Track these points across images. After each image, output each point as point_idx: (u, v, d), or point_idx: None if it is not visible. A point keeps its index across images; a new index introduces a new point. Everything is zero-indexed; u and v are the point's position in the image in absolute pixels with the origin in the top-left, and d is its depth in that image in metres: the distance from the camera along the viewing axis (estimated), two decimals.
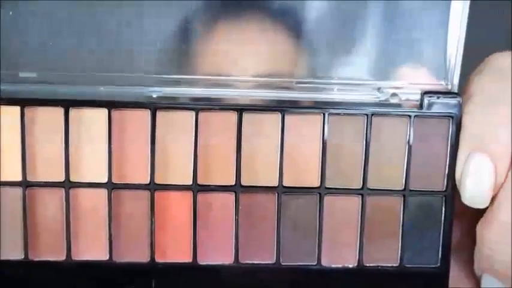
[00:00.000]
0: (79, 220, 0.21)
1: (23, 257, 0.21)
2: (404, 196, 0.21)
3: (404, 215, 0.22)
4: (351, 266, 0.22)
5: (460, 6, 0.21)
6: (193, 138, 0.21)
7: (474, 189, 0.20)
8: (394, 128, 0.21)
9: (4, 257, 0.21)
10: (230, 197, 0.21)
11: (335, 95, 0.22)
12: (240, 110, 0.21)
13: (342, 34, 0.22)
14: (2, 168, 0.21)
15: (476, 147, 0.20)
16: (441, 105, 0.21)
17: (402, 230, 0.22)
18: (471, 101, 0.20)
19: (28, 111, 0.21)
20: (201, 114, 0.21)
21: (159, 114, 0.21)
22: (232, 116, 0.21)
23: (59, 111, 0.21)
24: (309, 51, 0.22)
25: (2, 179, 0.21)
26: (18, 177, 0.21)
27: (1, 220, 0.21)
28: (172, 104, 0.21)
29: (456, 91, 0.21)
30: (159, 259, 0.21)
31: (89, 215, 0.21)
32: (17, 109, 0.21)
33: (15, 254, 0.21)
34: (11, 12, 0.21)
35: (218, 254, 0.22)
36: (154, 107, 0.21)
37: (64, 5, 0.21)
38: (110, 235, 0.21)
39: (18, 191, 0.21)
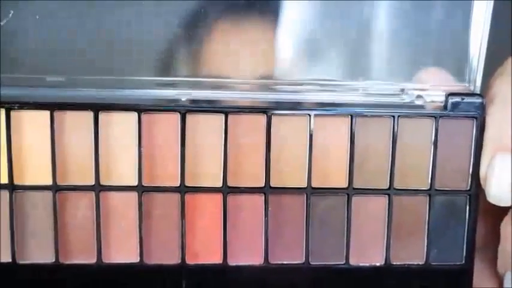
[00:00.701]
0: (109, 223, 0.21)
1: (53, 260, 0.21)
2: (429, 195, 0.22)
3: (430, 214, 0.22)
4: (378, 264, 0.22)
5: (483, 6, 0.21)
6: (223, 141, 0.21)
7: (499, 188, 0.21)
8: (419, 129, 0.22)
9: (35, 261, 0.21)
10: (259, 199, 0.22)
11: (360, 97, 0.22)
12: (269, 111, 0.21)
13: (364, 37, 0.22)
14: (32, 172, 0.21)
15: (499, 147, 0.21)
16: (465, 106, 0.21)
17: (428, 228, 0.22)
18: (492, 103, 0.21)
19: (57, 115, 0.21)
20: (230, 117, 0.21)
21: (189, 117, 0.21)
22: (261, 118, 0.21)
23: (89, 115, 0.21)
24: (332, 54, 0.22)
25: (32, 183, 0.21)
26: (49, 181, 0.21)
27: (31, 224, 0.21)
28: (202, 107, 0.21)
29: (479, 92, 0.22)
30: (189, 261, 0.22)
31: (119, 217, 0.21)
32: (46, 113, 0.21)
33: (46, 257, 0.21)
34: (37, 16, 0.21)
35: (248, 254, 0.22)
36: (185, 110, 0.21)
37: (92, 8, 0.21)
38: (141, 238, 0.21)
39: (48, 195, 0.21)
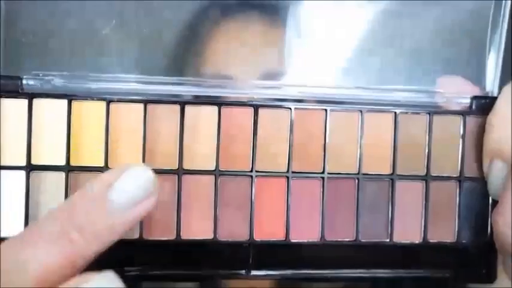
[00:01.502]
0: (190, 202, 0.24)
1: (138, 236, 0.24)
2: (459, 182, 0.26)
3: (460, 198, 0.26)
4: (417, 241, 0.26)
5: (501, 12, 0.26)
6: (288, 134, 0.25)
7: (494, 188, 0.25)
8: (450, 124, 0.26)
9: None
10: (318, 183, 0.25)
11: (399, 97, 0.26)
12: (328, 109, 0.25)
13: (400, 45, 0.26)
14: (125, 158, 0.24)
15: (494, 153, 0.24)
16: (487, 106, 0.26)
17: (459, 210, 0.26)
18: (493, 108, 0.25)
19: (149, 107, 0.24)
20: (296, 112, 0.25)
21: (260, 111, 0.25)
22: (321, 114, 0.25)
23: (176, 108, 0.24)
24: (381, 61, 0.26)
25: None
26: None
27: None
28: (273, 103, 0.25)
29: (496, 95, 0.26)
30: (257, 237, 0.25)
31: (199, 198, 0.25)
32: (102, 104, 0.24)
33: (131, 234, 0.24)
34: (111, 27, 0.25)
35: (307, 232, 0.25)
36: (257, 105, 0.25)
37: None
38: (215, 217, 0.25)
39: None
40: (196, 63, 0.27)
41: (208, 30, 0.27)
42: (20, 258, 0.18)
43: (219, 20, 0.27)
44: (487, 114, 0.25)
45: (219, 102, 0.24)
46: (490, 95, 0.26)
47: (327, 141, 0.25)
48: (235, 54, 0.27)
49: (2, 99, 0.24)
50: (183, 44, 0.26)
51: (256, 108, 0.25)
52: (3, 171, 0.23)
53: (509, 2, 0.26)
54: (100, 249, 0.19)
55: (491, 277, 0.26)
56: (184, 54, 0.26)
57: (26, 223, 0.24)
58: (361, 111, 0.25)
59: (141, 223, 0.24)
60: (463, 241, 0.26)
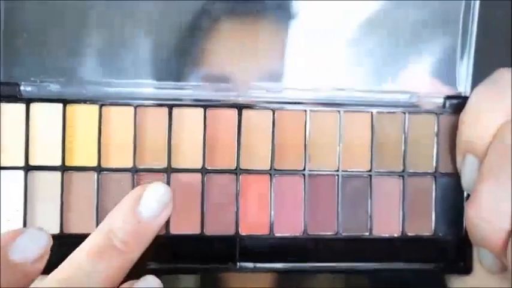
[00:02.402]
0: (178, 199, 0.26)
1: None
2: (435, 177, 0.27)
3: (436, 193, 0.27)
4: (396, 235, 0.27)
5: (470, 15, 0.27)
6: (271, 134, 0.26)
7: (467, 182, 0.26)
8: (424, 123, 0.27)
9: None
10: (299, 180, 0.27)
11: (376, 98, 0.28)
12: (308, 110, 0.26)
13: (365, 42, 0.28)
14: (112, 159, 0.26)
15: (466, 149, 0.25)
16: (460, 105, 0.27)
17: (435, 205, 0.27)
18: (465, 107, 0.26)
19: (139, 111, 0.26)
20: (277, 113, 0.26)
21: (244, 112, 0.26)
22: (302, 115, 0.27)
23: (164, 110, 0.26)
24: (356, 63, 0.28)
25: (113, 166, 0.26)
26: (129, 164, 0.26)
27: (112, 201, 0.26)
28: (256, 105, 0.26)
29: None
30: (242, 232, 0.26)
31: (186, 194, 0.26)
32: (95, 108, 0.26)
33: None
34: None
35: (290, 227, 0.26)
36: (240, 107, 0.26)
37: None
38: (202, 212, 0.26)
39: (128, 176, 0.26)
40: (195, 64, 0.28)
41: (208, 30, 0.28)
42: (86, 270, 0.22)
43: (218, 20, 0.28)
44: (460, 113, 0.26)
45: (204, 105, 0.26)
46: (462, 94, 0.28)
47: (307, 140, 0.27)
48: (234, 55, 0.28)
49: (1, 104, 0.25)
50: (181, 45, 0.28)
51: (240, 109, 0.26)
52: (2, 172, 0.25)
53: (477, 1, 0.27)
54: (140, 252, 0.24)
55: (468, 269, 0.27)
56: (183, 55, 0.28)
57: (24, 219, 0.25)
58: (339, 112, 0.27)
59: None
60: (440, 234, 0.27)
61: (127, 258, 0.23)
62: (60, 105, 0.25)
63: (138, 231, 0.23)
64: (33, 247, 0.22)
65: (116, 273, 0.23)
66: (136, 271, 0.23)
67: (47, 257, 0.22)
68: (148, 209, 0.24)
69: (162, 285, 0.23)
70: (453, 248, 0.27)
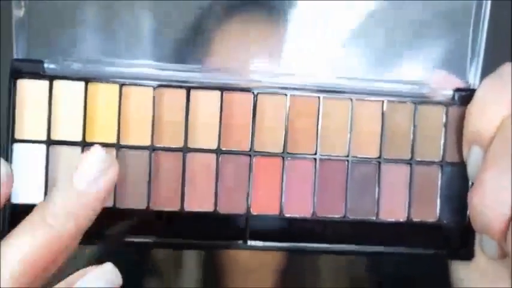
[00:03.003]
0: (193, 177, 0.27)
1: (145, 206, 0.27)
2: (441, 166, 0.28)
3: (442, 181, 0.28)
4: (401, 220, 0.28)
5: (482, 9, 0.28)
6: (285, 118, 0.27)
7: (472, 172, 0.27)
8: (434, 114, 0.28)
9: (132, 207, 0.27)
10: (310, 163, 0.28)
11: (387, 88, 0.28)
12: (321, 96, 0.27)
13: (373, 35, 0.29)
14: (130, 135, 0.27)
15: (473, 139, 0.26)
16: (468, 98, 0.28)
17: (440, 192, 0.28)
18: (472, 99, 0.27)
19: (158, 92, 0.27)
20: (291, 99, 0.27)
21: (260, 98, 0.27)
22: (315, 101, 0.27)
23: (182, 92, 0.27)
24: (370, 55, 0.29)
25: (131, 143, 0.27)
26: (147, 142, 0.27)
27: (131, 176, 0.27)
28: (271, 91, 0.27)
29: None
30: (254, 211, 0.27)
31: (202, 174, 0.27)
32: (115, 87, 0.26)
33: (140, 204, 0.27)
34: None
35: (300, 208, 0.27)
36: (256, 92, 0.27)
37: None
38: (216, 192, 0.27)
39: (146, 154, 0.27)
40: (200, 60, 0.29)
41: (213, 26, 0.29)
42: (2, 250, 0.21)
43: (223, 16, 0.29)
44: (468, 105, 0.27)
45: (222, 88, 0.27)
46: (471, 87, 0.28)
47: (319, 125, 0.27)
48: (239, 51, 0.29)
49: (26, 80, 0.26)
50: (188, 39, 0.28)
51: (255, 94, 0.27)
52: (26, 144, 0.26)
53: (489, 1, 0.28)
54: (78, 226, 0.22)
55: (469, 255, 0.28)
56: (189, 49, 0.29)
57: (45, 191, 0.26)
58: (351, 100, 0.28)
59: (148, 195, 0.26)
60: (444, 221, 0.28)
61: (57, 233, 0.21)
62: (82, 84, 0.26)
63: (72, 202, 0.22)
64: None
65: (40, 251, 0.21)
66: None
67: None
68: (82, 176, 0.22)
69: (119, 277, 0.22)
70: (456, 234, 0.28)
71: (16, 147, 0.26)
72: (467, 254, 0.28)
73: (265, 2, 0.29)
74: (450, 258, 0.28)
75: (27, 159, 0.26)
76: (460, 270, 0.29)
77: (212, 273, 0.30)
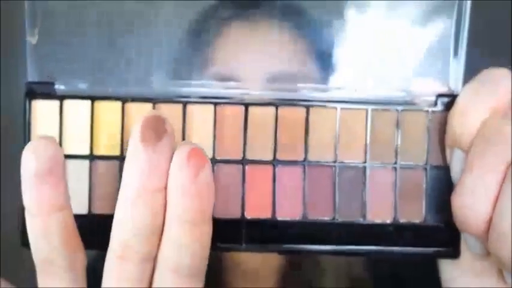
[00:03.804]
0: None
1: None
2: (426, 170, 0.30)
3: (426, 184, 0.30)
4: (388, 221, 0.30)
5: (462, 15, 0.29)
6: (274, 128, 0.29)
7: (455, 174, 0.28)
8: (417, 119, 0.30)
9: None
10: (300, 170, 0.29)
11: (371, 96, 0.30)
12: (308, 106, 0.29)
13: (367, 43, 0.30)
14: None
15: (455, 143, 0.28)
16: (450, 103, 0.29)
17: (425, 194, 0.30)
18: (454, 104, 0.28)
19: (156, 107, 0.29)
20: (280, 110, 0.29)
21: (250, 109, 0.29)
22: (303, 111, 0.29)
23: (179, 107, 0.29)
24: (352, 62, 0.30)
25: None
26: None
27: None
28: (260, 102, 0.29)
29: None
30: (248, 215, 0.29)
31: None
32: (118, 104, 0.29)
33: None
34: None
35: (291, 212, 0.29)
36: (246, 104, 0.29)
37: None
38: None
39: None
40: (204, 64, 0.31)
41: (217, 30, 0.31)
42: None
43: (227, 20, 0.31)
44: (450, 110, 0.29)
45: (214, 102, 0.29)
46: (453, 93, 0.30)
47: (308, 133, 0.29)
48: (244, 55, 0.31)
49: (39, 100, 0.29)
50: (190, 45, 0.31)
51: (246, 106, 0.29)
52: None
53: (469, 2, 0.29)
54: None
55: (455, 253, 0.29)
56: (191, 55, 0.31)
57: None
58: (337, 109, 0.29)
59: None
60: (430, 221, 0.30)
61: None
62: (88, 102, 0.29)
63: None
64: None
65: None
66: None
67: None
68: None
69: None
70: (442, 234, 0.30)
71: None
72: (453, 252, 0.29)
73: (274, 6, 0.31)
74: (437, 256, 0.30)
75: None
76: (446, 269, 0.30)
77: (212, 274, 0.32)
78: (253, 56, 0.31)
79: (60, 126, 0.29)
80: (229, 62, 0.31)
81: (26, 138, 0.29)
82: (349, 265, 0.38)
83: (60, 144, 0.29)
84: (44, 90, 0.29)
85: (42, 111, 0.29)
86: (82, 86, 0.30)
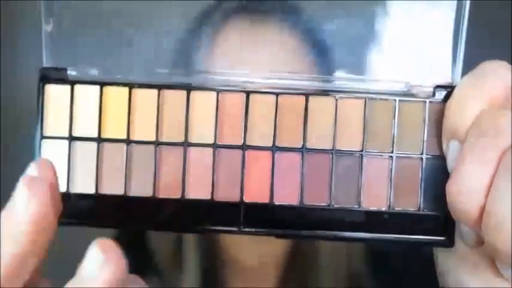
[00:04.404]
0: (193, 169, 0.30)
1: (151, 194, 0.30)
2: (422, 159, 0.30)
3: (423, 173, 0.30)
4: (383, 209, 0.30)
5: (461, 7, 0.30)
6: (274, 115, 0.30)
7: (451, 165, 0.29)
8: (415, 110, 0.30)
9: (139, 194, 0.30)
10: (298, 156, 0.30)
11: (369, 86, 0.31)
12: (308, 95, 0.30)
13: (368, 38, 0.31)
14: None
15: (451, 134, 0.28)
16: (448, 95, 0.30)
17: (421, 183, 0.30)
18: (451, 96, 0.29)
19: (161, 93, 0.31)
20: (281, 97, 0.30)
21: (251, 97, 0.30)
22: (302, 99, 0.30)
23: (183, 93, 0.30)
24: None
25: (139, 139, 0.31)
26: (152, 138, 0.30)
27: (138, 170, 0.30)
28: (261, 90, 0.30)
29: None
30: (246, 199, 0.30)
31: (200, 166, 0.30)
32: (126, 89, 0.30)
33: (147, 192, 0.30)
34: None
35: (288, 197, 0.30)
36: (248, 91, 0.30)
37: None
38: (213, 181, 0.30)
39: (151, 148, 0.30)
40: (205, 62, 0.32)
41: (219, 28, 0.32)
42: None
43: (229, 18, 0.32)
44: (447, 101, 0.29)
45: (216, 89, 0.30)
46: (451, 84, 0.30)
47: (306, 121, 0.30)
48: (245, 54, 0.32)
49: (52, 85, 0.31)
50: (193, 41, 0.32)
51: (247, 94, 0.30)
52: (52, 140, 0.31)
53: (468, 1, 0.30)
54: None
55: (450, 243, 0.30)
56: (194, 52, 0.32)
57: (68, 181, 0.30)
58: (335, 98, 0.30)
59: (155, 184, 0.30)
60: (425, 210, 0.30)
61: None
62: (97, 87, 0.31)
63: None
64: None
65: None
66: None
67: None
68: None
69: None
70: (437, 223, 0.30)
71: (44, 143, 0.31)
72: (447, 241, 0.30)
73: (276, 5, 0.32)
74: (431, 245, 0.30)
75: (54, 153, 0.31)
76: (441, 261, 0.30)
77: (211, 273, 0.33)
78: (254, 53, 0.32)
79: (70, 110, 0.31)
80: (229, 60, 0.33)
81: (39, 121, 0.31)
82: (348, 260, 0.38)
83: (71, 126, 0.30)
84: (57, 76, 0.31)
85: (55, 95, 0.31)
86: (93, 73, 0.31)
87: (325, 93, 0.30)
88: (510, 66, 0.28)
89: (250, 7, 0.32)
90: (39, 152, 0.31)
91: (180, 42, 0.32)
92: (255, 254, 0.39)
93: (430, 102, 0.30)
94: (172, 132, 0.31)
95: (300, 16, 0.31)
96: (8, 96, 0.62)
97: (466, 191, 0.26)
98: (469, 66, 0.30)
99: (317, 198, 0.30)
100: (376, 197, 0.30)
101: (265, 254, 0.39)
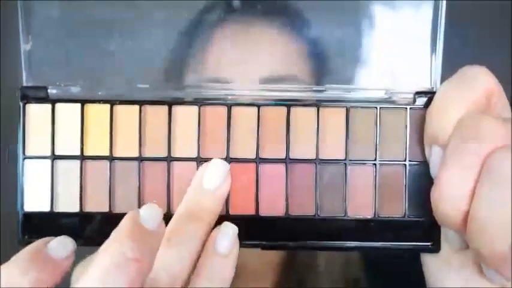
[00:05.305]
0: (177, 183, 0.30)
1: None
2: (405, 166, 0.30)
3: (407, 179, 0.30)
4: (369, 217, 0.30)
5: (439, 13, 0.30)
6: (256, 127, 0.30)
7: (434, 170, 0.29)
8: (396, 116, 0.30)
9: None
10: (282, 167, 0.30)
11: (351, 95, 0.31)
12: (290, 106, 0.30)
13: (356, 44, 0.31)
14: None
15: (433, 139, 0.28)
16: (428, 101, 0.30)
17: (405, 190, 0.30)
18: (432, 102, 0.29)
19: (143, 109, 0.30)
20: (262, 109, 0.30)
21: (233, 110, 0.30)
22: (284, 110, 0.30)
23: (164, 108, 0.30)
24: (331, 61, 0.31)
25: (122, 155, 0.30)
26: (136, 154, 0.30)
27: (123, 186, 0.30)
28: (242, 102, 0.30)
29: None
30: (232, 212, 0.30)
31: (182, 181, 0.30)
32: (107, 107, 0.30)
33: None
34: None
35: (273, 208, 0.30)
36: (230, 104, 0.30)
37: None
38: None
39: (135, 164, 0.30)
40: (196, 67, 0.32)
41: (209, 32, 0.32)
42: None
43: (220, 22, 0.32)
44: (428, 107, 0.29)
45: (199, 103, 0.30)
46: (432, 90, 0.30)
47: (289, 131, 0.30)
48: (236, 58, 0.32)
49: (32, 104, 0.30)
50: (182, 48, 0.32)
51: (229, 107, 0.30)
52: (34, 160, 0.30)
53: (444, 2, 0.30)
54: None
55: (436, 248, 0.30)
56: (184, 58, 0.32)
57: (51, 200, 0.30)
58: (317, 107, 0.30)
59: (140, 199, 0.30)
60: (411, 217, 0.30)
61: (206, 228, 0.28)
62: (79, 105, 0.30)
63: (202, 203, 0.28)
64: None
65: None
66: None
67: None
68: (211, 182, 0.29)
69: None
70: (423, 229, 0.30)
71: (26, 163, 0.30)
72: (434, 247, 0.30)
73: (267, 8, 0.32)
74: (417, 251, 0.30)
75: (36, 173, 0.30)
76: (428, 262, 0.30)
77: None
78: (245, 59, 0.32)
79: (52, 128, 0.30)
80: (220, 66, 0.33)
81: (21, 141, 0.30)
82: (346, 266, 0.38)
83: (53, 145, 0.30)
84: (37, 95, 0.31)
85: (36, 114, 0.31)
86: (74, 90, 0.31)
87: (306, 103, 0.30)
88: (489, 71, 0.28)
89: (240, 14, 0.32)
90: (22, 172, 0.30)
91: (164, 56, 0.32)
92: (253, 258, 0.39)
93: (411, 108, 0.30)
94: (155, 148, 0.30)
95: (290, 22, 0.32)
96: None
97: (449, 196, 0.26)
98: (448, 70, 0.30)
99: (303, 209, 0.30)
100: (361, 205, 0.30)
101: (262, 258, 0.39)
